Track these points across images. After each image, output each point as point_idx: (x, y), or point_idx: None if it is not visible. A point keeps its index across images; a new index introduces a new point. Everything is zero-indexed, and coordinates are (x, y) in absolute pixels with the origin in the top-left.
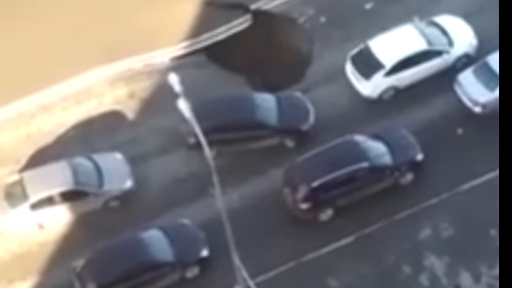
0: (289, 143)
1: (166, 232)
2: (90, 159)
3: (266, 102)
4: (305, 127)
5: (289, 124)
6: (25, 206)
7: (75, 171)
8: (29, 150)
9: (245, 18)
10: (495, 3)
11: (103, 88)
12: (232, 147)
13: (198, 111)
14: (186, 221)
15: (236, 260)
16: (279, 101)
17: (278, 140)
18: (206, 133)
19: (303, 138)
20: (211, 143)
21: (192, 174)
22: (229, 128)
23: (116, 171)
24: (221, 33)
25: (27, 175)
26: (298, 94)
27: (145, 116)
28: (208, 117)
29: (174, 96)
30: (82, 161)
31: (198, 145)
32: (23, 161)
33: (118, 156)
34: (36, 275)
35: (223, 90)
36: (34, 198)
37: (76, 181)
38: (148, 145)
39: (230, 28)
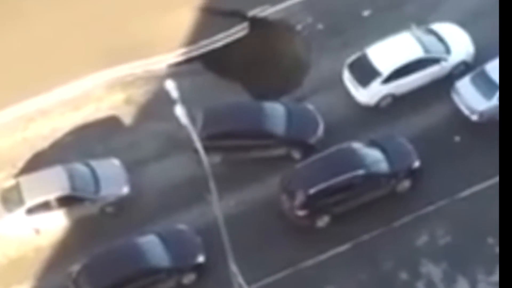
0: (296, 154)
1: (162, 237)
2: (87, 164)
3: (276, 112)
4: (312, 140)
5: (296, 136)
6: (21, 210)
7: (71, 177)
8: (26, 154)
9: (243, 26)
10: (492, 11)
11: (100, 93)
12: (238, 154)
13: (206, 117)
14: (182, 226)
15: (233, 267)
16: (289, 112)
17: (285, 151)
18: (213, 138)
19: (310, 151)
20: (217, 149)
21: (189, 179)
22: (236, 135)
23: (113, 177)
24: (219, 40)
25: (24, 179)
26: (309, 106)
27: (142, 121)
28: (216, 123)
29: (171, 102)
30: (79, 167)
31: (204, 149)
32: (20, 165)
33: (115, 162)
34: (32, 280)
35: (220, 97)
36: (30, 203)
37: (73, 187)
38: (145, 151)
39: (228, 36)
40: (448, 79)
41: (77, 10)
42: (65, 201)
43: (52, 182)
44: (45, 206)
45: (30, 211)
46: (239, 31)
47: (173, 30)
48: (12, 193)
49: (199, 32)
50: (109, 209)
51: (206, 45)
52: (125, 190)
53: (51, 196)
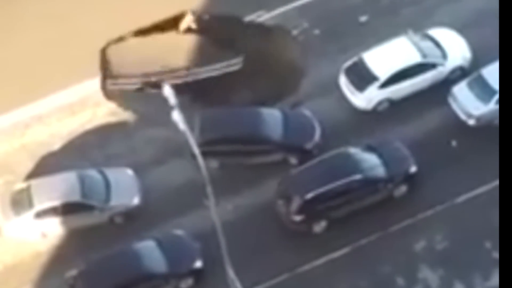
0: (293, 160)
1: (160, 243)
2: (101, 172)
3: (273, 118)
4: (309, 145)
5: (293, 141)
6: (30, 214)
7: (83, 184)
8: (24, 160)
9: (238, 59)
10: (489, 16)
11: (97, 99)
12: (236, 159)
13: (203, 122)
14: (180, 232)
15: (230, 272)
16: (286, 118)
17: (282, 156)
18: (210, 144)
19: (307, 156)
20: (215, 155)
21: (187, 185)
22: (233, 140)
23: (124, 187)
24: (216, 69)
25: (35, 183)
26: (306, 112)
27: (140, 127)
28: (214, 129)
29: (169, 107)
30: (91, 174)
31: (201, 155)
32: (18, 171)
33: (129, 171)
34: (30, 286)
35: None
36: (39, 207)
37: (83, 194)
38: (143, 156)
39: (224, 67)
40: (445, 84)
41: (74, 17)
42: (73, 208)
43: (63, 188)
44: (53, 211)
45: (39, 215)
46: (234, 65)
47: None
48: (22, 195)
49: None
50: (118, 219)
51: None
52: (136, 201)
53: (60, 202)
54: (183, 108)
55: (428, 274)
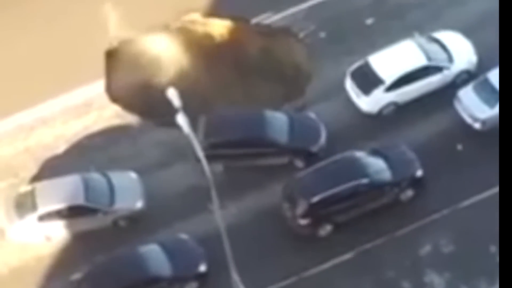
0: (298, 163)
1: (164, 247)
2: (105, 175)
3: (278, 121)
4: (314, 148)
5: (299, 144)
6: (33, 217)
7: (87, 187)
8: (28, 163)
9: None
10: (495, 19)
11: (102, 101)
12: (241, 163)
13: (208, 125)
14: (184, 236)
15: (235, 276)
16: (291, 121)
17: (288, 159)
18: (215, 147)
19: (313, 159)
20: (220, 158)
21: (191, 188)
22: (239, 144)
23: (128, 191)
24: None
25: (39, 186)
26: (311, 114)
27: (144, 130)
28: (218, 132)
29: (173, 110)
30: (95, 177)
31: (206, 158)
32: (22, 174)
33: (133, 175)
34: None
35: (222, 105)
36: (42, 210)
37: (86, 197)
38: (147, 160)
39: None
40: (451, 87)
41: (79, 19)
42: (77, 211)
43: (67, 191)
44: (57, 214)
45: (42, 218)
46: None
47: None
48: (26, 198)
49: None
50: (122, 223)
51: None
52: (140, 204)
53: (64, 205)
54: (187, 110)
55: (433, 278)
